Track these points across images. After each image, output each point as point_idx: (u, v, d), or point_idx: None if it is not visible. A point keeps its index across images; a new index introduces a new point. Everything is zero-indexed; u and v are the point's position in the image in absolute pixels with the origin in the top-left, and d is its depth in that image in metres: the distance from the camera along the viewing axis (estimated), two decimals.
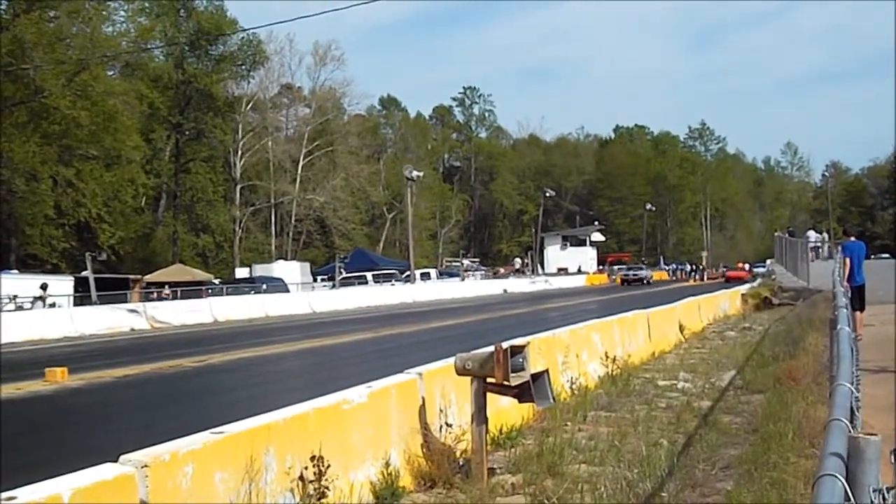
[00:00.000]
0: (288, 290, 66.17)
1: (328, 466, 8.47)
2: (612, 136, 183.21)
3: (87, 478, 6.21)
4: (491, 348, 10.21)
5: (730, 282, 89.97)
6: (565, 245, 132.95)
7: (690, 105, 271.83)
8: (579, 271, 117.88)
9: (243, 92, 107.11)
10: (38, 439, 15.21)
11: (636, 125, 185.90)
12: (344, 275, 79.34)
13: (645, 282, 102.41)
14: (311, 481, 8.34)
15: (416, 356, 16.42)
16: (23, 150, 62.22)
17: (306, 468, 8.37)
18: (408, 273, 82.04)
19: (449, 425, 11.13)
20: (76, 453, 11.02)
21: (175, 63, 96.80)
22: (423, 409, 10.86)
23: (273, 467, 8.10)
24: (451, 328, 37.61)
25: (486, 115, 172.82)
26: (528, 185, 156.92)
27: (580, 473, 10.57)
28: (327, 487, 8.42)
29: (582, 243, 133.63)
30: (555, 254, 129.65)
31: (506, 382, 10.16)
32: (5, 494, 5.57)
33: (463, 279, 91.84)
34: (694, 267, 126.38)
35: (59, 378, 21.55)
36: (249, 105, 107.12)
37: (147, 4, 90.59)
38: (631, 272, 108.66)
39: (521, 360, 10.22)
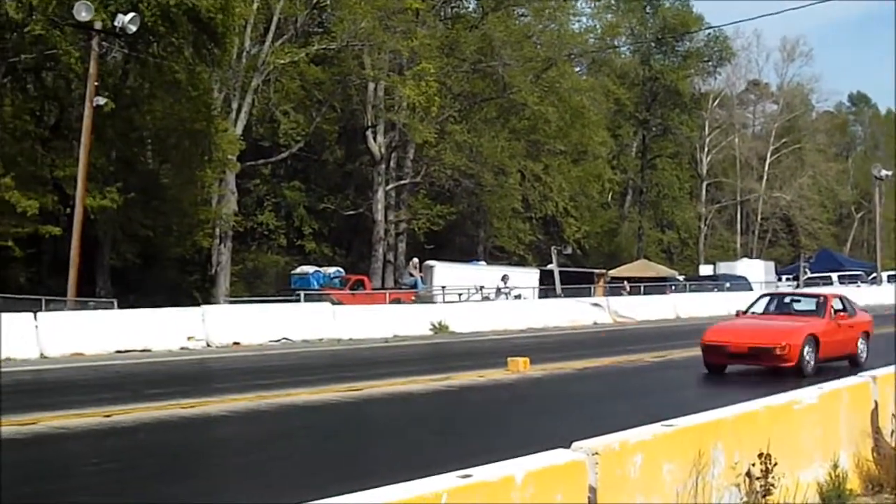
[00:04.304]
0: (751, 289, 65.21)
1: (775, 464, 8.44)
2: None
3: (539, 461, 6.53)
4: None
5: None
6: None
7: None
8: None
9: (710, 88, 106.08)
10: (495, 424, 16.00)
11: None
12: (809, 275, 77.37)
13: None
14: (757, 478, 8.36)
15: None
16: (492, 144, 64.35)
17: (753, 465, 8.40)
18: (874, 275, 79.41)
19: None
20: (530, 439, 11.50)
21: (641, 59, 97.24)
22: (874, 413, 10.68)
23: (721, 462, 8.21)
24: None
25: None
26: None
27: None
28: (773, 485, 8.40)
29: None
30: None
31: None
32: (461, 472, 5.98)
33: None
34: None
35: (520, 368, 22.27)
36: (716, 101, 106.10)
37: (613, 2, 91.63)
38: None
39: None
